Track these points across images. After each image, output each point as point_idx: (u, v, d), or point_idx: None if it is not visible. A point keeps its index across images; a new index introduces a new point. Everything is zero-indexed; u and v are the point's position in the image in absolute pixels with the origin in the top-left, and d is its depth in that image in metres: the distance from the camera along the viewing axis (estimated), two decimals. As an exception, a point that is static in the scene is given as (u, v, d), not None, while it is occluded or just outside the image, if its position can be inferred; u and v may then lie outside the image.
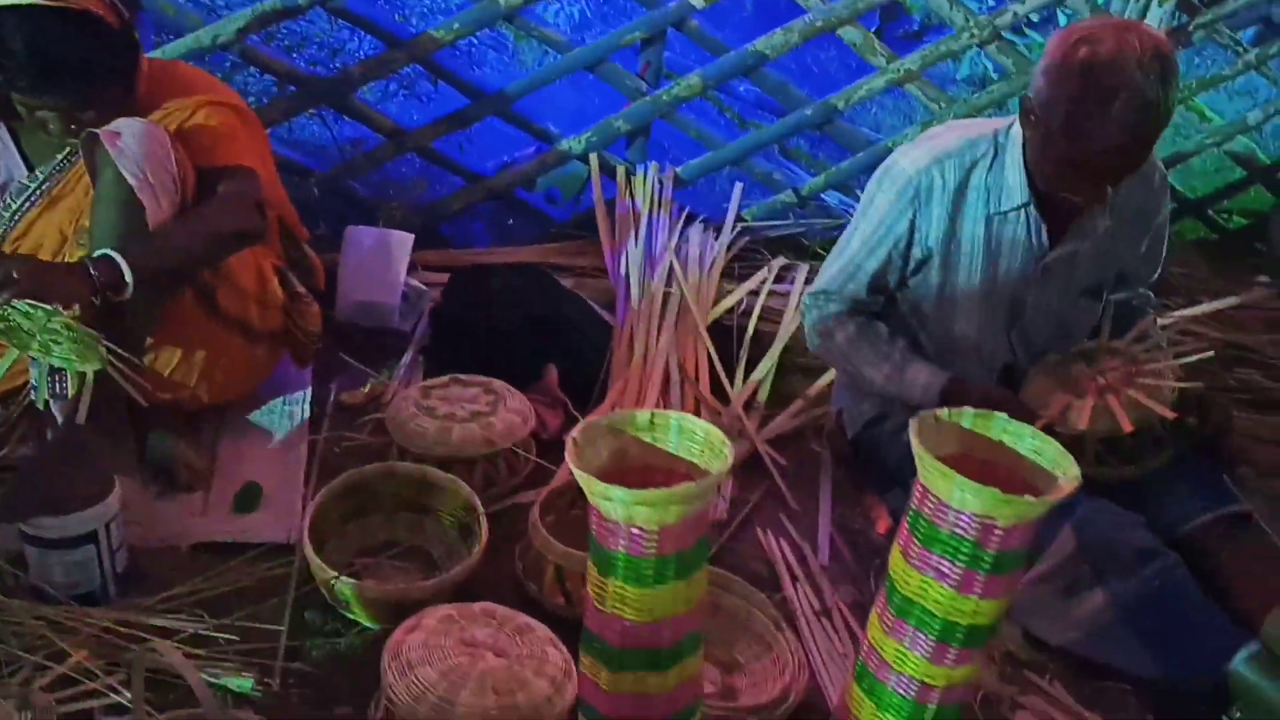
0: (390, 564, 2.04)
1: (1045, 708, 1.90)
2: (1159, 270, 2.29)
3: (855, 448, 2.38)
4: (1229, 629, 1.87)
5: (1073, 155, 1.87)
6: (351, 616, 1.90)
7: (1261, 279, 3.42)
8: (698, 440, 1.14)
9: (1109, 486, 2.03)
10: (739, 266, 3.04)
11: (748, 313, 2.84)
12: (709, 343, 2.69)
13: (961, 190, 2.06)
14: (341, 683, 1.80)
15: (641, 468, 1.14)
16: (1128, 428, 1.95)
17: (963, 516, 1.13)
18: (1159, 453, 2.04)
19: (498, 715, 1.56)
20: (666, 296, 2.80)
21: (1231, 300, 3.24)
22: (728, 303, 2.84)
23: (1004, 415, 1.25)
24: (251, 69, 3.21)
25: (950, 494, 1.13)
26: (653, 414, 1.16)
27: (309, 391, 2.47)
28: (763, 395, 2.65)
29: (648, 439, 1.15)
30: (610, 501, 1.06)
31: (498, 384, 2.36)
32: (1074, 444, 1.97)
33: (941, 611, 1.17)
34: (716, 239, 3.08)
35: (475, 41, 4.33)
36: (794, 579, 2.13)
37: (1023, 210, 2.05)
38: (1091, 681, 1.96)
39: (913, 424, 1.21)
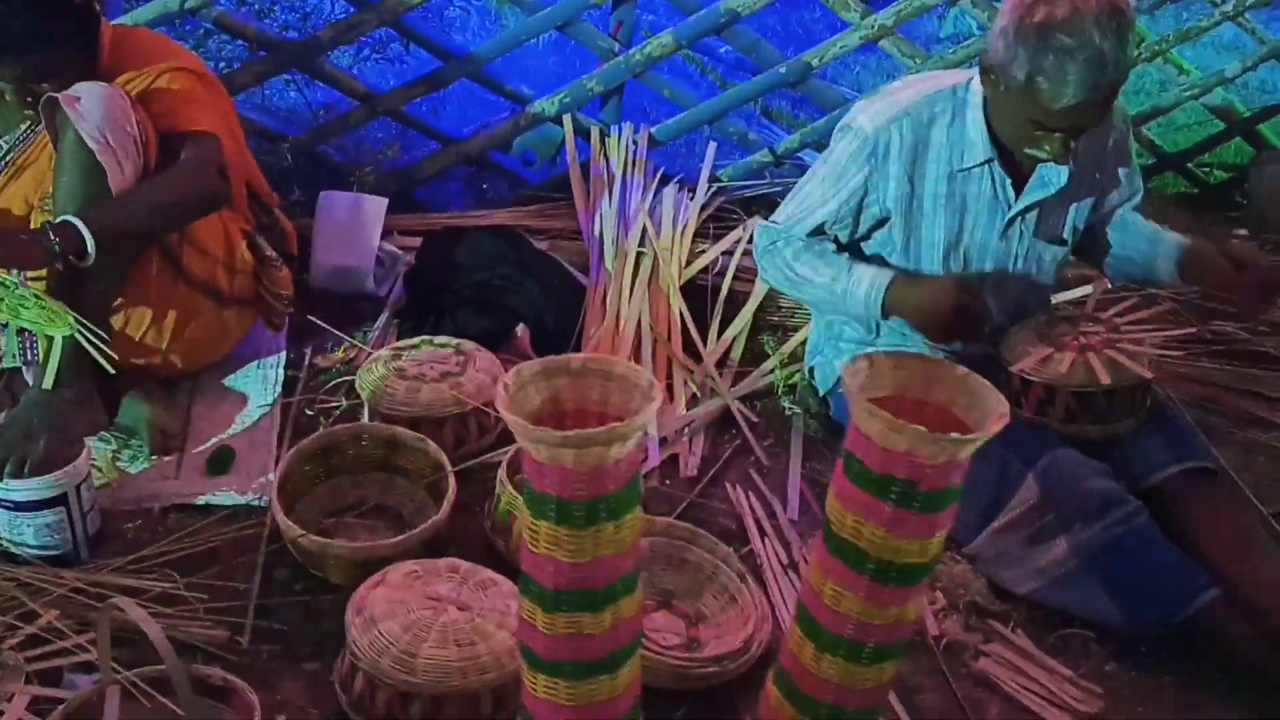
0: (360, 523, 2.06)
1: (1009, 656, 1.92)
2: (1140, 195, 2.29)
3: (827, 404, 2.40)
4: (1192, 574, 1.89)
5: (1033, 114, 1.88)
6: (321, 575, 1.92)
7: (1239, 232, 3.43)
8: (629, 385, 1.15)
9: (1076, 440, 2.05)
10: (714, 227, 3.04)
11: (722, 272, 2.85)
12: (681, 302, 2.70)
13: (920, 148, 2.05)
14: (311, 639, 1.82)
15: (576, 413, 1.15)
16: (1105, 380, 1.97)
17: (892, 456, 1.15)
18: (1126, 420, 2.05)
19: (459, 667, 1.59)
20: (640, 257, 2.80)
21: (1209, 254, 3.24)
22: (701, 262, 2.84)
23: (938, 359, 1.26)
24: (224, 34, 3.20)
25: (879, 434, 1.15)
26: (585, 359, 1.18)
27: (283, 355, 2.49)
28: (736, 353, 2.66)
29: (581, 384, 1.17)
30: (538, 444, 1.08)
31: (468, 344, 2.37)
32: (1047, 397, 2.02)
33: (875, 551, 1.19)
34: (692, 199, 3.07)
35: (454, 5, 4.31)
36: (762, 533, 2.15)
37: (986, 166, 2.05)
38: (1057, 630, 1.98)
39: (846, 367, 1.23)
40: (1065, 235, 2.18)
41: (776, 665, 1.39)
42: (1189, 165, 3.75)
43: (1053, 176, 2.07)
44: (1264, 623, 1.85)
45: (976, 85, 2.01)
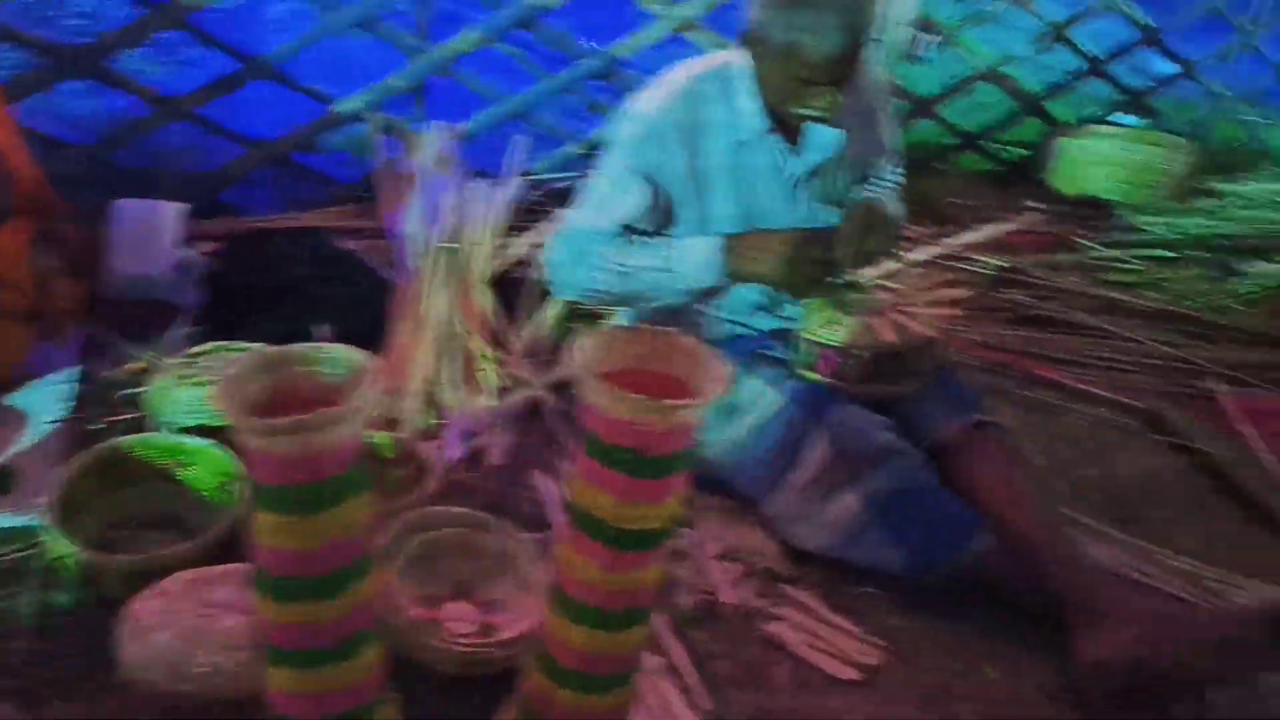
0: (146, 535, 2.00)
1: (800, 618, 1.99)
2: (897, 155, 2.39)
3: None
4: (969, 521, 1.99)
5: (799, 72, 1.96)
6: (103, 590, 1.86)
7: (1031, 204, 3.61)
8: (348, 370, 1.16)
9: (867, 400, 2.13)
10: (528, 220, 3.06)
11: (535, 265, 2.86)
12: (491, 296, 2.71)
13: (698, 127, 2.11)
14: (89, 657, 1.77)
15: (306, 402, 1.15)
16: (890, 337, 2.07)
17: (618, 426, 1.18)
18: (912, 380, 2.15)
19: (233, 672, 1.57)
20: (449, 253, 2.80)
21: (1004, 226, 3.42)
22: (508, 256, 2.85)
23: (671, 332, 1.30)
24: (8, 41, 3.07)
25: (604, 405, 1.18)
26: (313, 347, 1.18)
27: (72, 370, 2.41)
28: (548, 343, 2.69)
29: (307, 373, 1.17)
30: (252, 434, 1.08)
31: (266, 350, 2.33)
32: (839, 359, 2.10)
33: (611, 519, 1.22)
34: (502, 195, 3.08)
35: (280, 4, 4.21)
36: (564, 518, 2.17)
37: (765, 136, 2.12)
38: (847, 589, 2.06)
39: (574, 344, 1.26)
40: (846, 197, 2.27)
41: (534, 640, 1.42)
42: (988, 143, 3.94)
43: (827, 138, 2.16)
44: (1033, 568, 1.95)
45: (744, 60, 2.08)
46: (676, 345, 1.28)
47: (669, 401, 1.16)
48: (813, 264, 2.02)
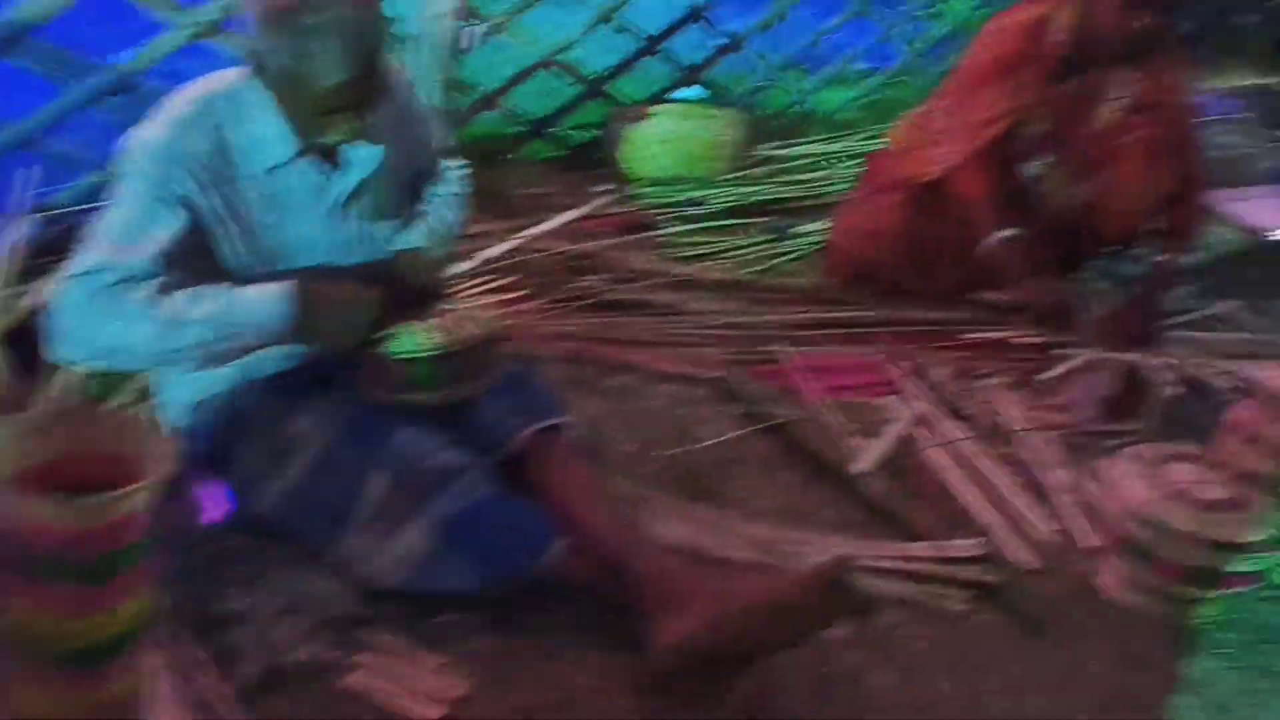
0: None
1: (381, 661, 1.87)
2: (451, 154, 2.34)
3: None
4: (540, 529, 1.94)
5: (313, 97, 1.82)
6: None
7: (601, 187, 3.66)
8: None
9: (427, 412, 2.02)
10: (46, 263, 2.69)
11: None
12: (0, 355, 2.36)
13: (219, 154, 1.91)
14: None
15: None
16: (445, 340, 1.98)
17: (45, 531, 1.00)
18: (467, 383, 2.06)
19: None
20: (-56, 312, 2.41)
21: (575, 213, 3.44)
22: (22, 306, 2.50)
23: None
24: None
25: (25, 513, 0.99)
26: None
27: None
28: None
29: None
30: None
31: None
32: (376, 370, 1.98)
33: (57, 638, 1.03)
34: (13, 234, 2.70)
35: None
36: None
37: (297, 160, 1.95)
38: (431, 619, 1.96)
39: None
40: (397, 210, 2.16)
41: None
42: (554, 130, 3.95)
43: (365, 156, 2.03)
44: (609, 564, 1.94)
45: (258, 80, 1.90)
46: (109, 424, 1.11)
47: (89, 499, 0.99)
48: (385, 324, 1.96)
